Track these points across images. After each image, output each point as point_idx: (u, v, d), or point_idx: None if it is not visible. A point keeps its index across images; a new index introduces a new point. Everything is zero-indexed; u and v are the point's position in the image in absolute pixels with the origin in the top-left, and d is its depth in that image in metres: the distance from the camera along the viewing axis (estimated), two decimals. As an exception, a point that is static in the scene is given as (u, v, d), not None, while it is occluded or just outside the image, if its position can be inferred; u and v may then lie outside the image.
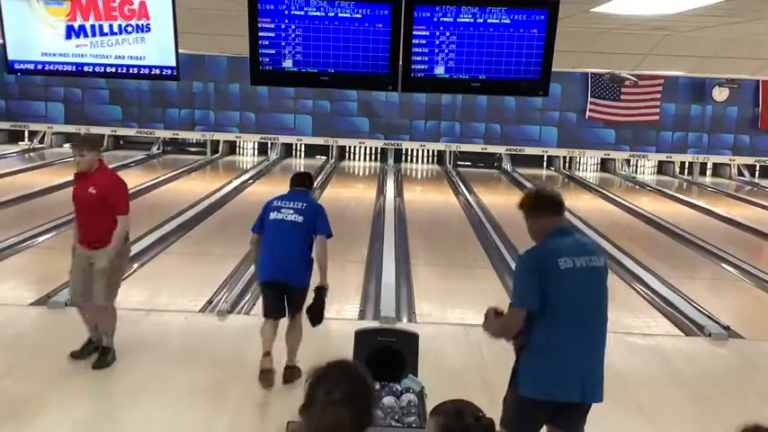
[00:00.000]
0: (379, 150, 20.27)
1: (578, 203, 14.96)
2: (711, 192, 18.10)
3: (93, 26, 5.05)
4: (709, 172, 20.61)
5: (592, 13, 6.09)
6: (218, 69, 18.67)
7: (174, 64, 5.20)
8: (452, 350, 5.95)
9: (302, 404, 2.12)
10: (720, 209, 14.47)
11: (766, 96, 19.20)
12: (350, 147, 20.41)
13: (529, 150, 19.73)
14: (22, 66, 5.27)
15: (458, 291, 8.35)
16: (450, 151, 20.06)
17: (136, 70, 5.21)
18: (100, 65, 5.17)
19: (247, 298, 7.33)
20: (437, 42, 4.66)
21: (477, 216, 12.50)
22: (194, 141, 20.56)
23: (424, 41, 4.67)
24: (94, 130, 19.28)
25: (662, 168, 20.94)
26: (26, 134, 20.13)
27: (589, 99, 19.21)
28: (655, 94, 18.90)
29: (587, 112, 19.29)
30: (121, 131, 19.76)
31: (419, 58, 4.70)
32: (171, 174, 16.28)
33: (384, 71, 4.70)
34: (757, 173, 20.31)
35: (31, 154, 19.07)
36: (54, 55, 5.17)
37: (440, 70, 4.73)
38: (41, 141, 20.07)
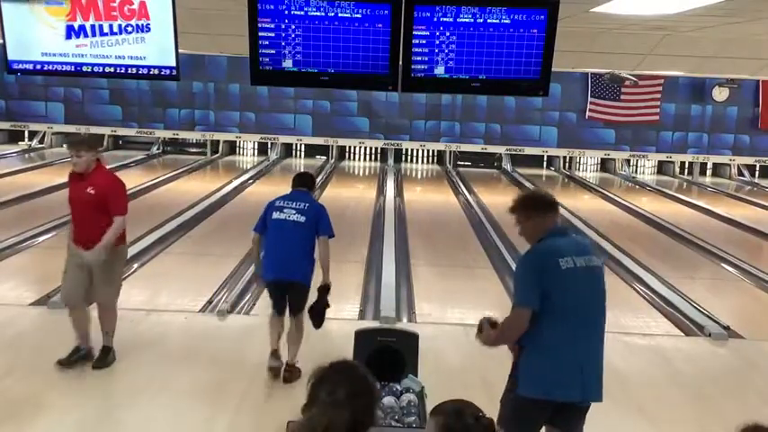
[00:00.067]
0: (379, 150, 20.28)
1: (578, 203, 14.96)
2: (711, 192, 18.10)
3: (93, 26, 5.05)
4: (709, 172, 20.61)
5: (592, 13, 6.09)
6: (218, 69, 18.67)
7: (174, 64, 5.20)
8: (452, 350, 5.95)
9: (304, 404, 2.12)
10: (720, 209, 14.47)
11: (766, 96, 19.20)
12: (350, 147, 20.41)
13: (529, 150, 19.73)
14: (22, 66, 5.27)
15: (458, 291, 8.35)
16: (450, 151, 20.06)
17: (136, 70, 5.21)
18: (100, 65, 5.17)
19: (247, 298, 7.33)
20: (437, 42, 4.66)
21: (477, 216, 12.51)
22: (194, 141, 20.56)
23: (424, 41, 4.67)
24: (94, 130, 19.31)
25: (662, 168, 20.94)
26: (26, 134, 20.13)
27: (589, 99, 19.21)
28: (655, 94, 18.90)
29: (587, 112, 19.29)
30: (121, 131, 19.77)
31: (419, 58, 4.70)
32: (171, 174, 16.28)
33: (384, 71, 4.70)
34: (757, 173, 20.31)
35: (31, 154, 19.08)
36: (54, 55, 5.17)
37: (440, 70, 4.73)
38: (41, 141, 20.08)
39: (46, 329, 6.15)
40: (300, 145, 20.32)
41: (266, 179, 16.61)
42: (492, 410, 3.34)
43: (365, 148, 20.44)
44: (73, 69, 5.22)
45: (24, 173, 15.72)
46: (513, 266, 3.66)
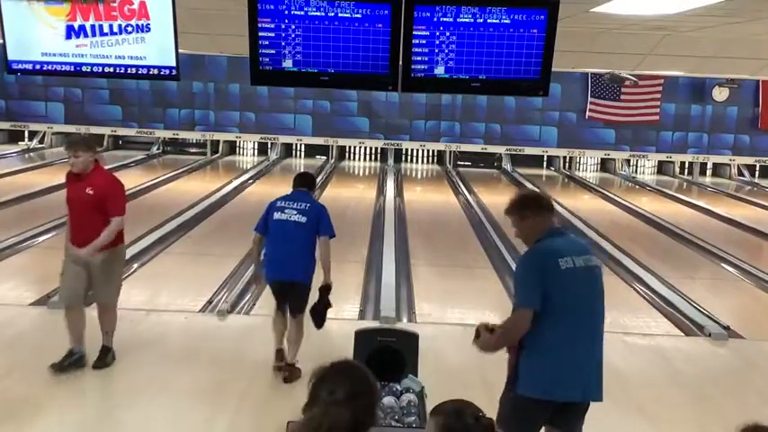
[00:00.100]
0: (379, 150, 20.28)
1: (578, 203, 14.97)
2: (711, 192, 18.10)
3: (93, 26, 5.05)
4: (709, 172, 20.62)
5: (592, 13, 6.09)
6: (218, 69, 18.67)
7: (174, 64, 5.20)
8: (452, 350, 5.95)
9: (305, 404, 2.12)
10: (720, 209, 14.47)
11: (766, 96, 19.20)
12: (350, 147, 20.41)
13: (529, 150, 19.73)
14: (22, 66, 5.26)
15: (458, 291, 8.35)
16: (450, 151, 20.06)
17: (136, 70, 5.21)
18: (100, 65, 5.16)
19: (247, 298, 7.33)
20: (437, 42, 4.66)
21: (477, 216, 12.51)
22: (194, 141, 20.56)
23: (424, 41, 4.66)
24: (94, 130, 19.35)
25: (662, 168, 20.95)
26: (26, 134, 20.14)
27: (589, 99, 19.21)
28: (655, 94, 18.90)
29: (587, 112, 19.29)
30: (121, 131, 19.78)
31: (419, 58, 4.70)
32: (171, 174, 16.28)
33: (384, 71, 4.70)
34: (757, 173, 20.32)
35: (31, 154, 19.08)
36: (54, 55, 5.16)
37: (440, 70, 4.73)
38: (41, 141, 20.08)
39: (46, 329, 6.14)
40: (300, 145, 20.32)
41: (266, 179, 16.61)
42: (492, 410, 3.34)
43: (365, 148, 20.44)
44: (73, 69, 5.22)
45: (24, 173, 15.72)
46: (513, 266, 3.65)
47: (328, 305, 5.39)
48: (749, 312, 8.14)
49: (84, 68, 5.20)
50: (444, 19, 4.61)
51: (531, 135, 19.62)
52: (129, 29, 5.07)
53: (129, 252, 8.47)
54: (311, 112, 19.44)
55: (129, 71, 5.21)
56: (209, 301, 7.13)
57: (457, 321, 6.83)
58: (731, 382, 5.89)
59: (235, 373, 5.42)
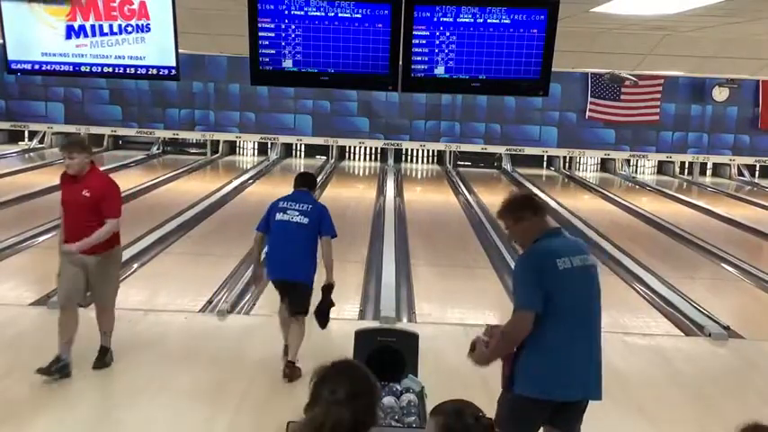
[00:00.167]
0: (379, 150, 20.27)
1: (578, 203, 14.97)
2: (711, 192, 18.10)
3: (93, 26, 5.05)
4: (709, 172, 20.61)
5: (592, 13, 6.09)
6: (218, 69, 18.67)
7: (174, 64, 5.19)
8: (452, 350, 5.94)
9: (307, 403, 2.12)
10: (720, 209, 14.47)
11: (766, 96, 19.20)
12: (350, 147, 20.41)
13: (529, 150, 19.73)
14: (22, 66, 5.26)
15: (458, 291, 8.35)
16: (450, 151, 20.06)
17: (136, 70, 5.20)
18: (100, 65, 5.16)
19: (247, 298, 7.33)
20: (437, 42, 4.66)
21: (477, 216, 12.51)
22: (194, 141, 20.56)
23: (424, 41, 4.66)
24: (94, 130, 19.36)
25: (662, 168, 20.94)
26: (26, 134, 20.13)
27: (589, 99, 19.21)
28: (655, 94, 18.90)
29: (587, 112, 19.28)
30: (121, 131, 19.77)
31: (419, 58, 4.70)
32: (171, 174, 16.28)
33: (384, 71, 4.70)
34: (757, 173, 20.31)
35: (31, 154, 19.08)
36: (54, 55, 5.16)
37: (440, 70, 4.73)
38: (41, 141, 20.08)
39: (46, 329, 6.11)
40: (300, 145, 20.32)
41: (266, 179, 16.62)
42: (492, 410, 3.35)
43: (365, 148, 20.44)
44: (73, 69, 5.21)
45: (24, 173, 15.72)
46: (513, 266, 3.62)
47: (331, 304, 5.45)
48: (749, 312, 8.15)
49: (83, 68, 5.19)
50: (444, 19, 4.61)
51: (531, 135, 19.61)
52: (129, 29, 5.06)
53: (129, 252, 8.53)
54: (311, 112, 19.44)
55: (128, 71, 5.21)
56: (209, 301, 7.14)
57: (457, 321, 6.83)
58: (731, 382, 5.89)
59: (235, 373, 5.43)
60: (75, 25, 5.05)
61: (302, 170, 6.42)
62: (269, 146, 20.14)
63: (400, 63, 4.70)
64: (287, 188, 5.79)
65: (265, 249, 5.64)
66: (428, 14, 4.60)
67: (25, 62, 5.24)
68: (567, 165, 20.71)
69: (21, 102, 19.25)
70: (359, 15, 4.58)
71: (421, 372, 4.90)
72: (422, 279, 8.45)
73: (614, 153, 20.14)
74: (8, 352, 5.66)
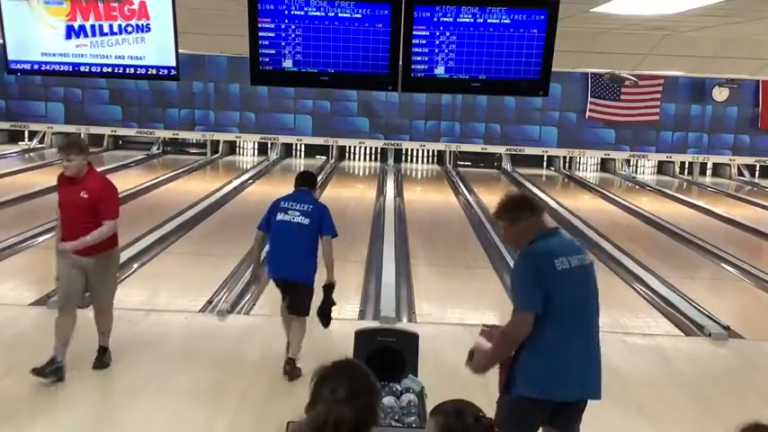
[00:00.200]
0: (379, 150, 20.27)
1: (578, 203, 14.97)
2: (711, 192, 18.10)
3: (93, 26, 5.05)
4: (709, 172, 20.61)
5: (592, 13, 6.09)
6: (218, 69, 18.67)
7: (174, 64, 5.19)
8: (452, 350, 5.93)
9: (308, 403, 2.13)
10: (720, 209, 14.47)
11: (766, 96, 19.19)
12: (350, 147, 20.41)
13: (529, 150, 19.72)
14: (22, 66, 5.26)
15: (458, 291, 8.35)
16: (450, 151, 20.06)
17: (136, 70, 5.21)
18: (100, 65, 5.16)
19: (247, 298, 7.33)
20: (437, 42, 4.66)
21: (477, 216, 12.50)
22: (194, 141, 20.56)
23: (424, 41, 4.66)
24: (94, 130, 19.37)
25: (662, 168, 20.94)
26: (26, 134, 20.14)
27: (589, 99, 19.21)
28: (655, 94, 18.90)
29: (587, 112, 19.28)
30: (121, 131, 19.77)
31: (419, 58, 4.70)
32: (171, 174, 16.28)
33: (384, 71, 4.70)
34: (757, 173, 20.31)
35: (31, 154, 19.08)
36: (54, 55, 5.16)
37: (440, 70, 4.73)
38: (41, 141, 20.08)
39: (46, 329, 6.10)
40: (300, 145, 20.32)
41: (266, 179, 16.62)
42: (492, 410, 3.35)
43: (365, 148, 20.44)
44: (73, 69, 5.21)
45: (24, 173, 15.72)
46: (512, 267, 3.60)
47: (332, 303, 5.49)
48: (749, 312, 8.14)
49: (84, 68, 5.19)
50: (444, 19, 4.61)
51: (531, 135, 19.61)
52: (129, 29, 5.06)
53: (129, 252, 8.54)
54: (311, 112, 19.44)
55: (128, 71, 5.21)
56: (209, 301, 7.14)
57: (457, 321, 6.83)
58: (731, 382, 5.89)
59: (235, 373, 5.43)
60: (75, 25, 5.05)
61: (302, 170, 6.43)
62: (269, 146, 20.15)
63: (400, 63, 4.70)
64: (287, 188, 5.79)
65: (266, 249, 5.68)
66: (428, 14, 4.60)
67: (25, 62, 5.24)
68: (567, 165, 20.71)
69: (21, 102, 19.25)
70: (359, 15, 4.58)
71: (421, 372, 4.90)
72: (422, 279, 8.45)
73: (614, 153, 20.14)
74: (8, 352, 5.66)
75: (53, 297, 6.63)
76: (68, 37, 5.07)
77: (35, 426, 4.56)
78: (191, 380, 5.28)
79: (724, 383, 5.82)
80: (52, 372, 5.01)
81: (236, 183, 15.38)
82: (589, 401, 3.48)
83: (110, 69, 5.20)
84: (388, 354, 4.83)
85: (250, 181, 16.07)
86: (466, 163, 20.14)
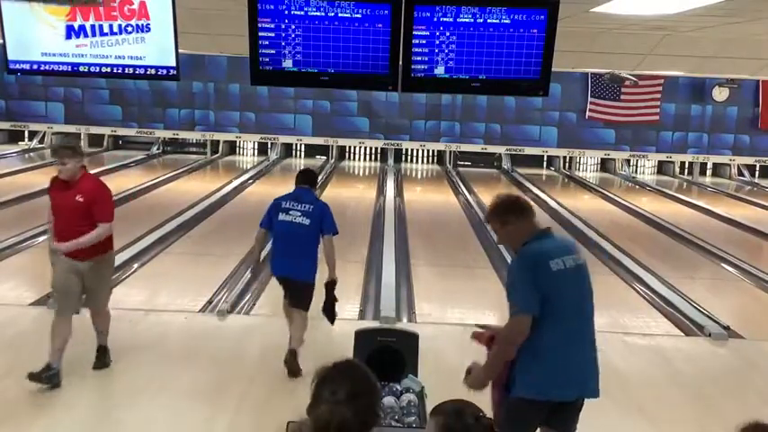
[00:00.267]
0: (379, 150, 20.27)
1: (578, 203, 14.96)
2: (711, 192, 18.10)
3: (93, 26, 5.05)
4: (709, 172, 20.61)
5: (592, 13, 6.09)
6: (218, 69, 18.66)
7: (174, 64, 5.20)
8: (452, 350, 5.94)
9: (309, 404, 2.13)
10: (720, 209, 14.47)
11: (766, 96, 19.19)
12: (350, 147, 20.40)
13: (529, 150, 19.72)
14: (21, 66, 5.26)
15: (458, 291, 8.35)
16: (450, 151, 20.05)
17: (136, 70, 5.21)
18: (100, 65, 5.16)
19: (247, 298, 7.33)
20: (437, 42, 4.66)
21: (477, 216, 12.49)
22: (194, 141, 20.56)
23: (424, 41, 4.66)
24: (94, 130, 19.38)
25: (662, 168, 20.94)
26: (26, 134, 20.13)
27: (589, 99, 19.20)
28: (655, 94, 18.90)
29: (587, 112, 19.28)
30: (121, 131, 19.77)
31: (419, 58, 4.70)
32: (171, 174, 16.28)
33: (384, 71, 4.70)
34: (757, 173, 20.30)
35: (31, 154, 19.08)
36: (54, 55, 5.16)
37: (440, 70, 4.73)
38: (41, 141, 20.07)
39: (46, 329, 6.08)
40: (300, 145, 20.32)
41: (266, 179, 16.61)
42: (491, 411, 3.35)
43: (365, 148, 20.44)
44: (73, 69, 5.22)
45: (24, 173, 15.71)
46: (507, 270, 3.58)
47: (335, 300, 5.60)
48: (749, 312, 8.14)
49: (84, 68, 5.20)
50: (444, 19, 4.61)
51: (531, 135, 19.61)
52: (129, 29, 5.07)
53: (129, 252, 8.54)
54: (311, 112, 19.44)
55: (128, 71, 5.21)
56: (209, 301, 7.14)
57: (457, 321, 6.83)
58: (731, 382, 5.89)
59: (235, 373, 5.43)
60: (75, 25, 5.05)
61: (303, 167, 6.44)
62: (269, 146, 20.14)
63: (400, 63, 4.70)
64: (287, 188, 5.81)
65: (268, 247, 5.76)
66: (428, 14, 4.60)
67: (25, 62, 5.24)
68: (567, 165, 20.70)
69: (21, 102, 19.25)
70: (359, 15, 4.58)
71: (421, 372, 4.89)
72: (422, 279, 8.45)
73: (614, 153, 20.14)
74: (8, 352, 5.66)
75: (52, 298, 6.64)
76: (68, 37, 5.07)
77: (35, 426, 4.57)
78: (191, 380, 5.28)
79: (724, 383, 5.82)
80: (48, 378, 4.97)
81: (236, 183, 15.38)
82: (588, 401, 3.48)
83: (110, 69, 5.20)
84: (388, 354, 4.83)
85: (250, 181, 16.07)
86: (466, 163, 20.14)
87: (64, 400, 4.91)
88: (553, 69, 4.77)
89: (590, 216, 12.91)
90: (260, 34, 4.65)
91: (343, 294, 5.88)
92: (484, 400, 2.41)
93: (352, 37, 4.63)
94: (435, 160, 20.53)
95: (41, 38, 5.11)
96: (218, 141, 20.19)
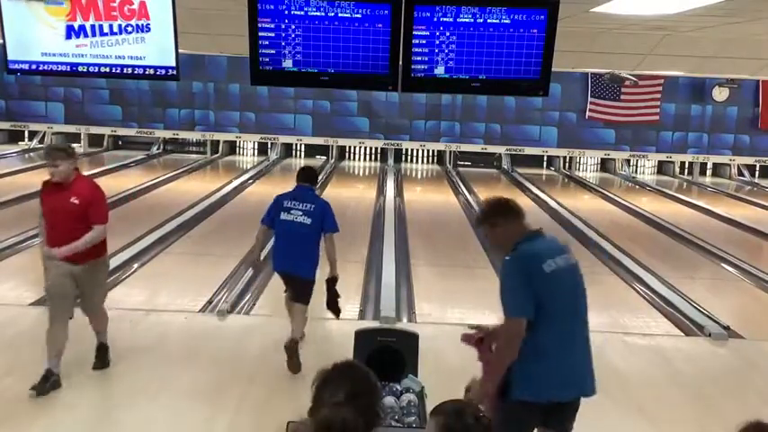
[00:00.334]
0: (379, 150, 20.27)
1: (578, 203, 14.96)
2: (711, 192, 18.10)
3: (93, 26, 5.05)
4: (709, 172, 20.61)
5: (592, 13, 6.09)
6: (218, 69, 18.67)
7: (174, 64, 5.20)
8: (452, 350, 5.91)
9: (311, 407, 2.13)
10: (720, 209, 14.47)
11: (766, 96, 19.19)
12: (350, 147, 20.41)
13: (529, 150, 19.72)
14: (22, 66, 5.26)
15: (458, 291, 8.35)
16: (450, 151, 20.05)
17: (136, 70, 5.20)
18: (100, 65, 5.16)
19: (247, 298, 7.33)
20: (437, 42, 4.66)
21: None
22: (194, 141, 20.56)
23: (424, 41, 4.66)
24: (94, 130, 19.39)
25: (662, 168, 20.94)
26: (26, 134, 20.14)
27: (589, 99, 19.20)
28: (655, 94, 18.90)
29: (587, 112, 19.28)
30: (121, 131, 19.77)
31: (419, 58, 4.70)
32: (171, 174, 16.28)
33: (384, 71, 4.70)
34: (757, 173, 20.31)
35: (31, 154, 19.07)
36: (54, 55, 5.16)
37: (440, 70, 4.73)
38: (41, 141, 20.07)
39: (46, 329, 6.14)
40: (300, 145, 20.32)
41: (266, 179, 16.61)
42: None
43: (365, 148, 20.44)
44: (73, 69, 5.21)
45: (24, 173, 15.70)
46: (499, 272, 3.56)
47: (337, 296, 5.70)
48: (749, 312, 8.14)
49: (84, 68, 5.19)
50: (444, 19, 4.61)
51: (531, 135, 19.61)
52: (129, 29, 5.06)
53: (129, 252, 8.55)
54: (311, 112, 19.44)
55: (128, 71, 5.21)
56: (209, 301, 7.14)
57: (457, 321, 6.82)
58: (731, 382, 5.89)
59: (235, 373, 5.43)
60: (75, 25, 5.05)
61: (304, 165, 6.46)
62: (269, 146, 20.15)
63: (400, 63, 4.70)
64: (287, 188, 5.83)
65: (269, 245, 5.84)
66: (428, 14, 4.60)
67: (25, 62, 5.24)
68: (567, 165, 20.70)
69: (21, 102, 19.25)
70: (359, 15, 4.58)
71: (421, 372, 4.89)
72: (422, 279, 8.45)
73: (614, 153, 20.14)
74: (8, 352, 5.66)
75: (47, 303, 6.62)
76: (68, 37, 5.07)
77: (35, 426, 4.57)
78: (191, 380, 5.28)
79: (724, 383, 5.82)
80: (51, 385, 4.96)
81: (236, 183, 15.38)
82: (589, 401, 3.48)
83: (110, 69, 5.20)
84: (388, 354, 4.83)
85: (250, 181, 16.07)
86: (466, 163, 20.14)
87: (64, 400, 4.91)
88: (553, 69, 4.77)
89: (590, 216, 12.91)
90: (260, 34, 4.66)
91: (344, 294, 5.89)
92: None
93: (352, 37, 4.63)
94: (435, 160, 20.54)
95: (41, 38, 5.11)
96: (218, 141, 20.20)
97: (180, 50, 5.16)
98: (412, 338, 5.02)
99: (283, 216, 5.57)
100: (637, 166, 20.84)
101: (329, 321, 6.41)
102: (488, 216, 3.52)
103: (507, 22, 4.60)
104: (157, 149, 20.13)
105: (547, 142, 19.70)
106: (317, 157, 20.07)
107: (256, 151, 20.62)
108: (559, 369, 3.35)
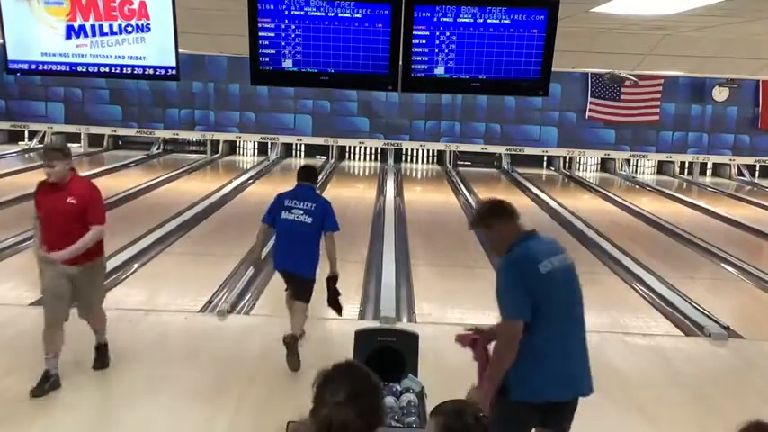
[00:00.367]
0: (379, 150, 20.27)
1: (578, 203, 14.96)
2: (711, 192, 18.10)
3: (93, 26, 5.05)
4: (709, 172, 20.60)
5: (592, 13, 6.09)
6: (218, 69, 18.67)
7: (174, 64, 5.20)
8: (452, 350, 5.88)
9: (312, 408, 2.12)
10: (720, 209, 14.47)
11: (766, 96, 19.19)
12: (350, 147, 20.41)
13: (529, 150, 19.72)
14: (22, 66, 5.26)
15: (458, 291, 8.34)
16: (450, 151, 20.06)
17: (135, 70, 5.20)
18: (100, 65, 5.16)
19: (247, 298, 7.33)
20: (437, 42, 4.66)
21: (477, 216, 12.48)
22: (194, 141, 20.56)
23: (424, 41, 4.67)
24: (94, 130, 19.39)
25: (662, 168, 20.94)
26: (26, 134, 20.14)
27: (589, 99, 19.20)
28: (655, 94, 18.90)
29: (587, 112, 19.28)
30: (121, 131, 19.77)
31: (419, 58, 4.70)
32: (171, 174, 16.28)
33: (384, 71, 4.70)
34: (757, 173, 20.30)
35: (31, 154, 19.06)
36: (54, 55, 5.16)
37: (440, 70, 4.73)
38: (41, 141, 20.07)
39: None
40: (300, 145, 20.32)
41: (266, 179, 16.61)
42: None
43: (365, 148, 20.44)
44: (73, 69, 5.21)
45: (24, 173, 15.69)
46: (495, 274, 3.56)
47: (338, 293, 5.73)
48: (749, 312, 8.14)
49: (83, 68, 5.19)
50: (444, 19, 4.61)
51: (531, 135, 19.61)
52: (129, 29, 5.06)
53: (129, 252, 8.55)
54: (311, 112, 19.44)
55: (128, 71, 5.21)
56: (209, 301, 7.13)
57: (457, 321, 6.81)
58: (731, 382, 5.89)
59: (235, 373, 5.43)
60: (75, 25, 5.05)
61: (304, 164, 6.46)
62: (269, 146, 20.15)
63: (400, 63, 4.70)
64: (287, 188, 5.83)
65: (269, 244, 5.87)
66: (428, 14, 4.60)
67: (25, 62, 5.24)
68: (567, 165, 20.70)
69: (21, 102, 19.25)
70: (359, 15, 4.58)
71: (421, 372, 4.89)
72: (422, 279, 8.45)
73: (614, 153, 20.14)
74: (8, 352, 5.66)
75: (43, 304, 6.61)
76: (68, 37, 5.07)
77: (35, 426, 4.57)
78: (191, 380, 5.28)
79: (724, 383, 5.82)
80: (50, 386, 4.95)
81: (236, 183, 15.38)
82: (589, 401, 3.48)
83: (109, 69, 5.19)
84: (388, 354, 4.83)
85: (250, 181, 16.07)
86: (466, 163, 20.14)
87: (64, 400, 4.91)
88: (553, 69, 4.77)
89: (590, 216, 12.91)
90: (260, 34, 4.66)
91: (343, 294, 5.89)
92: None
93: (352, 37, 4.63)
94: (435, 160, 20.53)
95: (41, 38, 5.11)
96: (218, 141, 20.20)
97: (180, 50, 5.16)
98: (412, 338, 5.02)
99: (284, 215, 5.59)
100: (637, 166, 20.84)
101: (329, 321, 6.42)
102: (483, 218, 3.53)
103: (507, 22, 4.60)
104: (157, 149, 20.14)
105: (547, 142, 19.70)
106: (317, 157, 20.07)
107: (256, 151, 20.61)
108: (556, 369, 3.35)
